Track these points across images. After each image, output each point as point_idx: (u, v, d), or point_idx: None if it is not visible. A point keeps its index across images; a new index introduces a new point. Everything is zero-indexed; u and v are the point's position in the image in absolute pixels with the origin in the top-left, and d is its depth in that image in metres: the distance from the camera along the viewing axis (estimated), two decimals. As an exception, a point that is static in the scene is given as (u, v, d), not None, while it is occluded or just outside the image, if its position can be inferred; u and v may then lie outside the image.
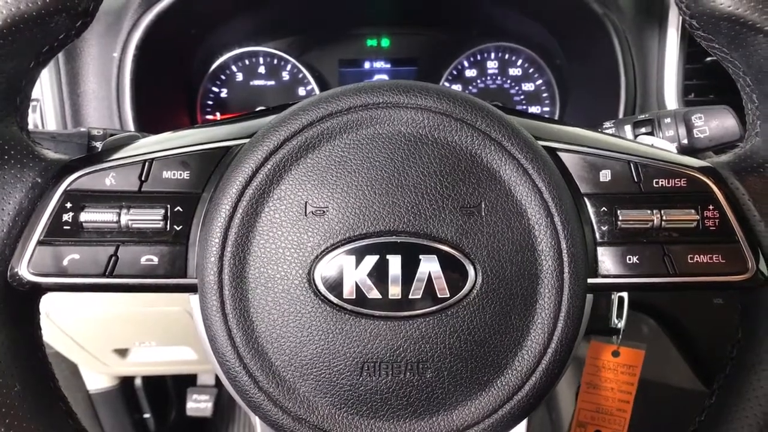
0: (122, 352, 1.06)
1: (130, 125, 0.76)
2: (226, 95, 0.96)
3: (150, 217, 0.40)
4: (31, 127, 0.77)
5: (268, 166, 0.39)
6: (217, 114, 0.96)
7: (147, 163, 0.41)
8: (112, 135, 0.58)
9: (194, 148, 0.42)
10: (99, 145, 0.57)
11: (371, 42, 0.98)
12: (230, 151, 0.42)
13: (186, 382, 1.33)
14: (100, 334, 0.97)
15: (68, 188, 0.40)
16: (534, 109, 0.98)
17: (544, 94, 0.97)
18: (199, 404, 1.31)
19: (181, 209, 0.40)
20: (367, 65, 0.98)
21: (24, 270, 0.39)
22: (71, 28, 0.41)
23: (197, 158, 0.41)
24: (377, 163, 0.39)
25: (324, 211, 0.39)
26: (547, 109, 0.97)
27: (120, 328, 0.95)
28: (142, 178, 0.40)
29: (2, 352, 0.39)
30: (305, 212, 0.39)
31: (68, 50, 0.75)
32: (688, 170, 0.41)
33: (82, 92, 0.76)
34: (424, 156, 0.39)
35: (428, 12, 0.94)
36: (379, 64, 0.98)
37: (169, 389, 1.38)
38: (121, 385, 1.26)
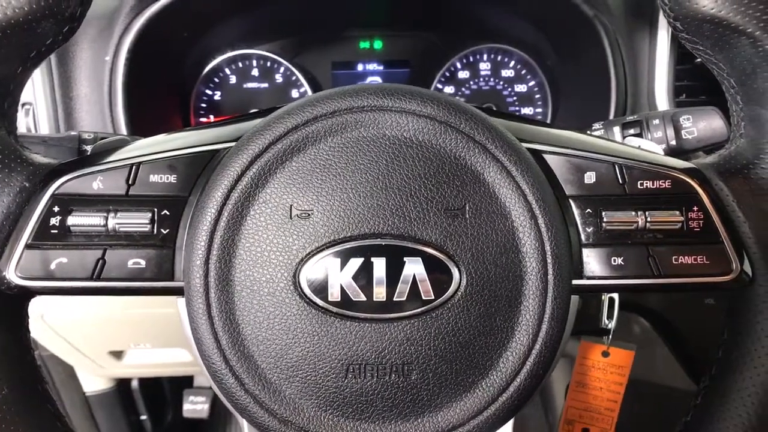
0: (117, 354, 1.06)
1: (123, 129, 0.76)
2: (219, 98, 0.97)
3: (137, 221, 0.40)
4: (23, 130, 0.78)
5: (253, 170, 0.39)
6: (211, 117, 0.97)
7: (134, 167, 0.41)
8: (102, 138, 0.58)
9: (181, 152, 0.42)
10: (89, 148, 0.57)
11: (364, 44, 0.98)
12: (217, 155, 0.42)
13: (182, 383, 1.33)
14: (94, 336, 0.97)
15: (56, 192, 0.40)
16: (527, 111, 0.98)
17: (537, 96, 0.98)
18: (195, 406, 1.31)
19: (168, 213, 0.41)
20: (360, 67, 0.99)
21: (12, 274, 0.39)
22: (58, 33, 0.41)
23: (184, 162, 0.42)
24: (362, 166, 0.40)
25: (309, 214, 0.39)
26: (539, 110, 0.98)
27: (114, 330, 0.95)
28: (130, 182, 0.41)
29: None
30: (290, 215, 0.39)
31: (60, 54, 0.75)
32: (673, 172, 0.42)
33: (74, 96, 0.76)
34: (408, 159, 0.40)
35: (421, 14, 0.95)
36: (372, 66, 0.98)
37: (165, 391, 1.38)
38: (118, 387, 1.26)
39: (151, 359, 1.07)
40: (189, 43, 0.87)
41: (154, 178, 0.41)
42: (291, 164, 0.40)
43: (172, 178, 0.41)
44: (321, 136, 0.40)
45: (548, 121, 0.97)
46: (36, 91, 0.75)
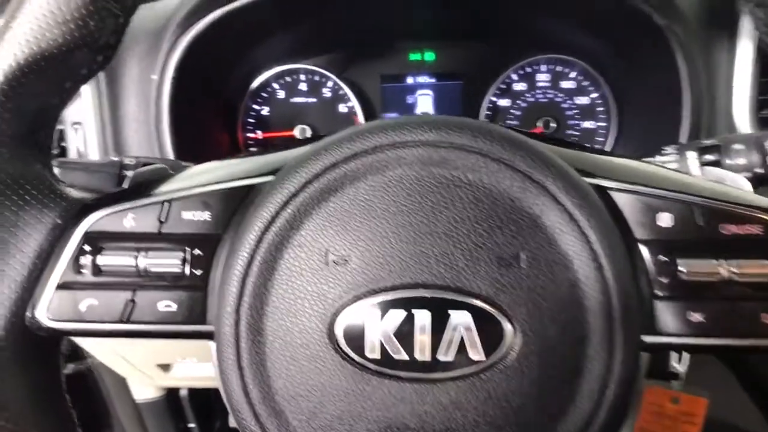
0: (165, 367, 1.06)
1: (168, 148, 0.75)
2: (267, 113, 0.95)
3: (168, 261, 0.38)
4: (73, 149, 0.78)
5: (288, 211, 0.36)
6: (259, 132, 0.95)
7: (166, 204, 0.39)
8: (145, 164, 0.57)
9: (215, 187, 0.40)
10: (130, 174, 0.56)
11: (414, 56, 0.94)
12: (252, 190, 0.40)
13: (230, 394, 1.32)
14: (142, 350, 0.97)
15: (87, 230, 0.39)
16: (588, 124, 0.92)
17: (599, 108, 0.91)
18: (242, 417, 1.30)
19: (200, 253, 0.39)
20: (410, 80, 0.95)
21: (43, 315, 0.38)
22: (93, 62, 0.40)
23: (218, 198, 0.40)
24: (405, 208, 0.36)
25: (346, 261, 0.36)
26: (602, 124, 0.91)
27: (162, 344, 0.95)
28: (162, 219, 0.39)
29: (22, 398, 0.38)
30: (326, 261, 0.36)
31: (109, 72, 0.75)
32: (764, 214, 0.36)
33: (122, 115, 0.76)
34: (456, 200, 0.36)
35: (475, 24, 0.90)
36: (422, 79, 0.95)
37: (213, 400, 1.39)
38: (167, 396, 1.27)
39: (197, 372, 1.07)
40: (236, 60, 0.86)
41: (187, 215, 0.39)
42: (328, 205, 0.36)
43: (206, 216, 0.39)
44: (360, 174, 0.36)
45: (612, 137, 0.90)
46: (85, 110, 0.75)
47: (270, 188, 0.38)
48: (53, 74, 0.38)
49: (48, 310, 0.38)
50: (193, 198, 0.39)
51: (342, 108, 0.95)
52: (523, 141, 0.37)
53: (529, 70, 0.92)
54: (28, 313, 0.38)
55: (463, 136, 0.36)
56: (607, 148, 0.90)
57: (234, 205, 0.39)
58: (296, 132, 0.93)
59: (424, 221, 0.36)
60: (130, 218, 0.39)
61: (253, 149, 0.97)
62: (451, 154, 0.36)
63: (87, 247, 0.38)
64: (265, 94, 0.95)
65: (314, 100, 0.95)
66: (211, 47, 0.77)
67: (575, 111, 0.92)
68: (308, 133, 0.93)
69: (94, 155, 0.76)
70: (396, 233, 0.36)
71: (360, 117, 0.94)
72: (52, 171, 0.42)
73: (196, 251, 0.39)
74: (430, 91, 0.95)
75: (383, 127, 0.37)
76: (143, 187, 0.43)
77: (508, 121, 0.93)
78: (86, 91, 0.75)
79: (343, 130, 0.40)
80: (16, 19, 0.36)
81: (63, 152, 0.77)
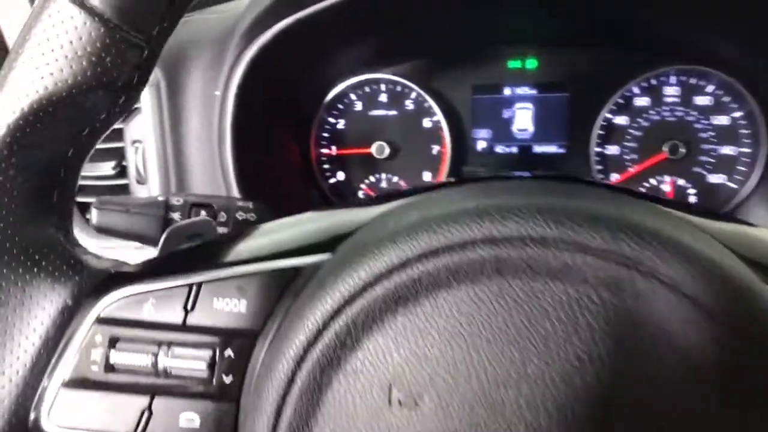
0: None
1: (231, 170, 0.68)
2: (343, 127, 0.86)
3: (193, 364, 0.31)
4: (132, 169, 0.73)
5: (340, 323, 0.27)
6: (333, 148, 0.86)
7: (194, 288, 0.32)
8: (193, 205, 0.50)
9: (253, 268, 0.32)
10: (177, 216, 0.49)
11: (514, 64, 0.81)
12: (300, 274, 0.31)
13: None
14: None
15: (101, 315, 0.33)
16: (728, 150, 0.75)
17: (743, 131, 0.74)
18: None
19: (232, 354, 0.31)
20: (507, 92, 0.82)
21: (45, 419, 0.32)
22: (114, 105, 0.33)
23: (256, 283, 0.32)
24: (505, 335, 0.25)
25: (416, 403, 0.26)
26: (746, 150, 0.74)
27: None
28: (188, 308, 0.32)
29: None
30: (389, 400, 0.26)
31: (172, 86, 0.69)
32: None
33: (184, 133, 0.69)
34: (584, 330, 0.24)
35: (588, 27, 0.75)
36: (522, 90, 0.81)
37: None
38: None
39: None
40: (308, 71, 0.77)
41: (218, 303, 0.32)
42: (395, 320, 0.26)
43: (241, 306, 0.32)
44: (441, 280, 0.26)
45: (760, 168, 0.72)
46: (146, 127, 0.69)
47: (318, 284, 0.28)
48: (65, 122, 0.32)
49: (51, 413, 0.32)
50: (226, 282, 0.32)
51: (426, 122, 0.84)
52: (689, 244, 0.24)
53: (654, 82, 0.76)
54: (30, 416, 0.32)
55: (597, 232, 0.24)
56: (754, 180, 0.73)
57: (275, 293, 0.32)
58: (373, 149, 0.83)
59: (534, 358, 0.24)
60: (150, 304, 0.32)
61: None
62: (578, 260, 0.24)
63: (99, 337, 0.32)
64: (341, 106, 0.86)
65: (395, 113, 0.84)
66: (280, 59, 0.68)
67: (711, 133, 0.75)
68: (386, 151, 0.83)
69: (153, 175, 0.70)
70: (491, 370, 0.25)
71: (446, 132, 0.83)
72: (70, 235, 0.36)
73: (228, 352, 0.31)
74: (530, 105, 0.81)
75: (477, 213, 0.26)
76: (174, 256, 0.37)
77: (626, 143, 0.78)
78: (147, 106, 0.68)
79: (421, 195, 0.29)
80: (20, 58, 0.30)
81: (123, 172, 0.72)
